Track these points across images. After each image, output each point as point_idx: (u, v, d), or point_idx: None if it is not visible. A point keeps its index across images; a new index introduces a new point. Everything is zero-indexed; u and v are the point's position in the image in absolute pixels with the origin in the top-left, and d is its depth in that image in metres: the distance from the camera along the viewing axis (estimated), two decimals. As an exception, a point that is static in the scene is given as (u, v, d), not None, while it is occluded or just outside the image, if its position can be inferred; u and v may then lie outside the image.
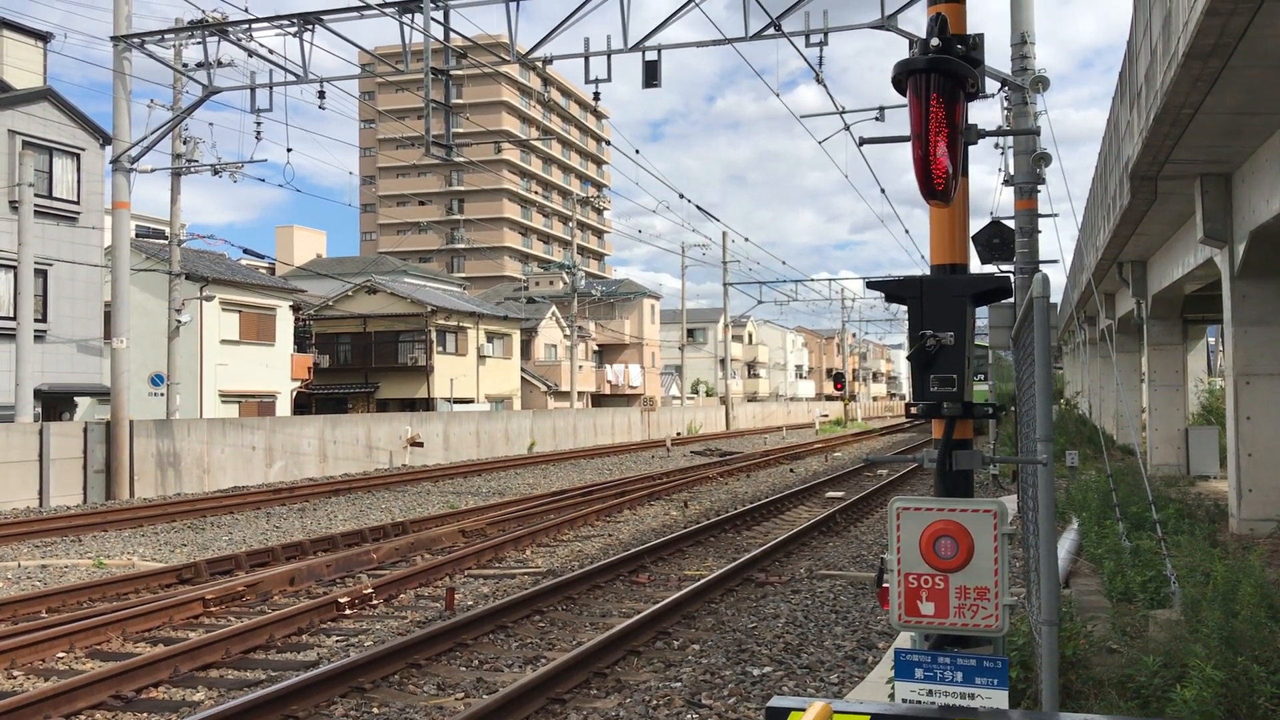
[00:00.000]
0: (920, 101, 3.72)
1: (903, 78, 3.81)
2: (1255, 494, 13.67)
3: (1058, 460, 20.80)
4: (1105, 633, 7.22)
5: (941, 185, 3.71)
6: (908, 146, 3.89)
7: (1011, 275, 14.97)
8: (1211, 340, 40.26)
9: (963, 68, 3.79)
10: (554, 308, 63.14)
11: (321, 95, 20.30)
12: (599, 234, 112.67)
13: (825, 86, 17.63)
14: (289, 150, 23.44)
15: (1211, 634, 5.88)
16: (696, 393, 79.21)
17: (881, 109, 18.75)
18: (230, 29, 20.86)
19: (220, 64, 21.77)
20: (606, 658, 8.02)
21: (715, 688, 7.39)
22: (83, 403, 30.65)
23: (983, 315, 17.29)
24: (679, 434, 50.52)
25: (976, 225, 15.57)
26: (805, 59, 17.25)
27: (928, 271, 4.78)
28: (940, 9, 4.22)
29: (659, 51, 17.92)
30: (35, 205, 25.09)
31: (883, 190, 28.37)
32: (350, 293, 48.55)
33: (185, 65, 23.68)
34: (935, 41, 3.85)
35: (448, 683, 7.64)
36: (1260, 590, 6.72)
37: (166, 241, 28.73)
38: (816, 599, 10.59)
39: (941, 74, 3.73)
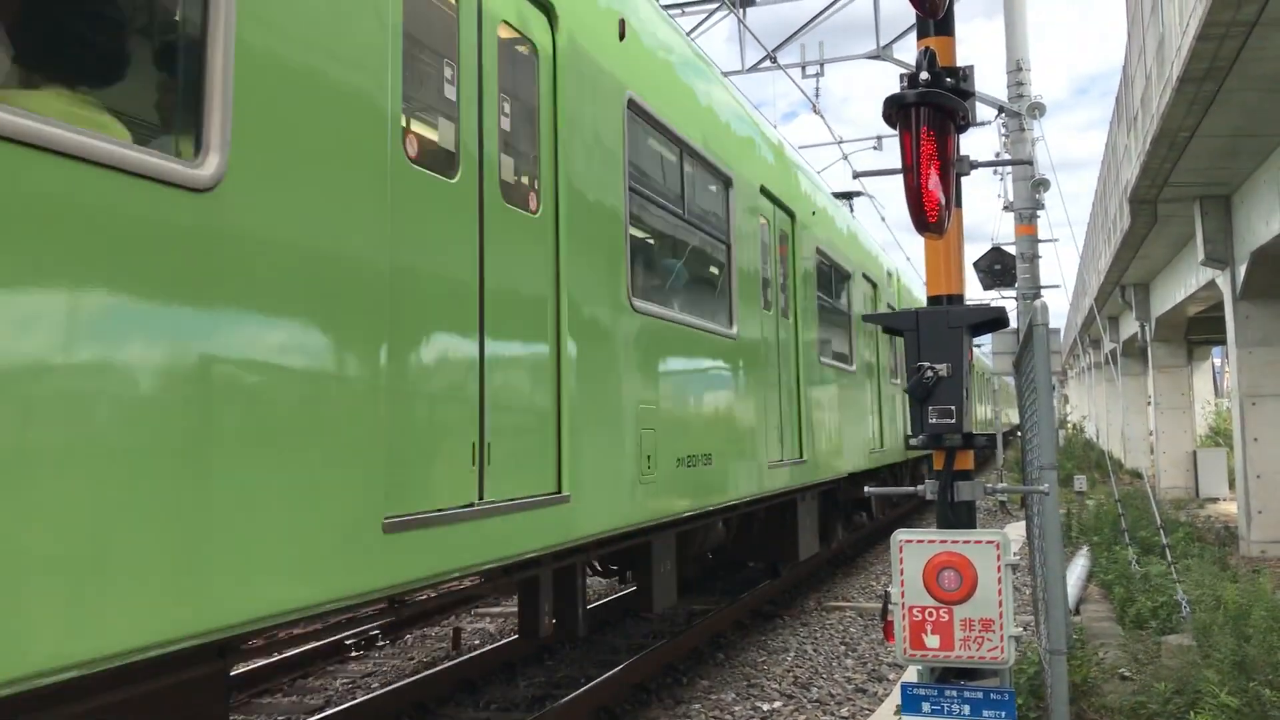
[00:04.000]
0: (911, 135, 3.74)
1: (893, 112, 3.83)
2: (1265, 515, 13.61)
3: (1065, 486, 20.71)
4: (1117, 659, 7.17)
5: (934, 218, 3.72)
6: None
7: (1013, 301, 15.00)
8: (1217, 361, 40.12)
9: (952, 101, 3.81)
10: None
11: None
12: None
13: (823, 117, 17.74)
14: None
15: (1224, 659, 5.83)
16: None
17: (879, 138, 18.87)
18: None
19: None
20: (614, 695, 7.96)
21: (725, 723, 7.33)
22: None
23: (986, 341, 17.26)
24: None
25: (977, 252, 15.59)
26: (802, 91, 17.37)
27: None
28: (929, 43, 4.24)
29: (657, 86, 18.05)
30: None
31: (883, 218, 28.43)
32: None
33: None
34: (925, 75, 3.87)
35: (455, 723, 7.59)
36: (1272, 614, 6.67)
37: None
38: (826, 631, 10.52)
39: (931, 107, 3.75)
